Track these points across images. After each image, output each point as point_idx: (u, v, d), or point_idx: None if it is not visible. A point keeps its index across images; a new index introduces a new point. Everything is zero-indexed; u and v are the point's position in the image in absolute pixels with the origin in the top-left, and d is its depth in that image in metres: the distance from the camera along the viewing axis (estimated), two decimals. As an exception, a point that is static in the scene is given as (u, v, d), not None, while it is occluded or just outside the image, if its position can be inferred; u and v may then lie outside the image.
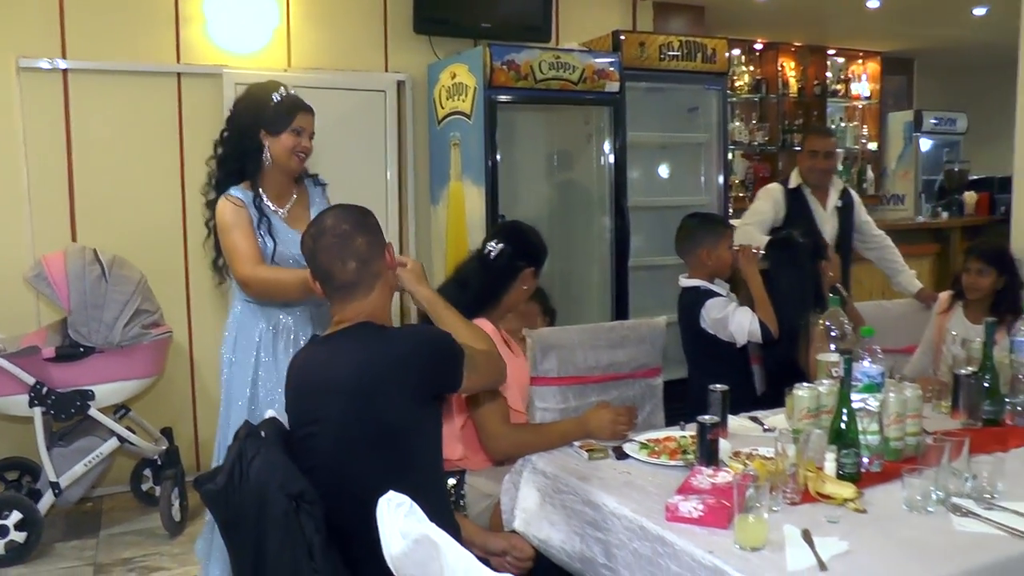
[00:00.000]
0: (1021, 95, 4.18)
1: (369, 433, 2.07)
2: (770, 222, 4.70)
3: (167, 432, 4.68)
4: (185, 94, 5.03)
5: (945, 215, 7.97)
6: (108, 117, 4.89)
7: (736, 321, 3.63)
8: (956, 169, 8.80)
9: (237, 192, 3.10)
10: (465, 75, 5.06)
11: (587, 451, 2.60)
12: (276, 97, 3.15)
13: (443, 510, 2.23)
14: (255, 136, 3.11)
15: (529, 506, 2.57)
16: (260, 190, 3.13)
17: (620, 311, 5.34)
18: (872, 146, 9.30)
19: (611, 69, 5.19)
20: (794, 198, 4.78)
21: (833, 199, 4.81)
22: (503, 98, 4.97)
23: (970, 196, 8.13)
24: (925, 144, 9.41)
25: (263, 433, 2.17)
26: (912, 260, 6.68)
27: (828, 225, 4.75)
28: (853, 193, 5.00)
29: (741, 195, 8.05)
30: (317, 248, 2.23)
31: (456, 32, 5.55)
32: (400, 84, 5.54)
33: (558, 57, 5.03)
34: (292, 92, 3.22)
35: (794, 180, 4.83)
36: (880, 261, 5.01)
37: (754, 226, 4.66)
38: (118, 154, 4.89)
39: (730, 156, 7.87)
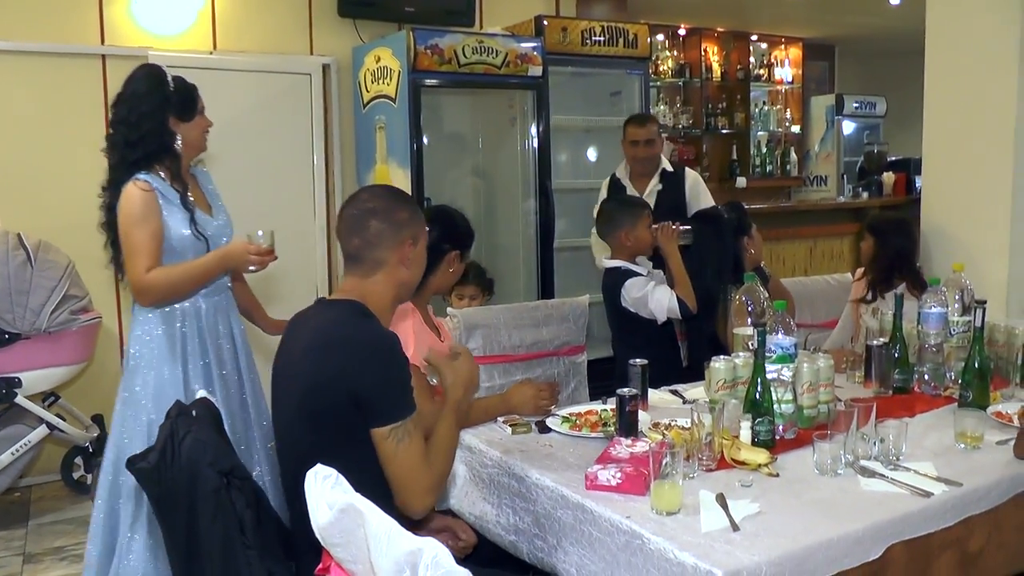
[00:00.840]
0: (928, 81, 4.32)
1: (311, 402, 2.08)
2: None
3: (98, 419, 4.63)
4: (110, 76, 4.96)
5: (865, 195, 8.17)
6: (30, 99, 4.81)
7: (655, 299, 3.69)
8: (875, 151, 9.02)
9: (148, 178, 2.91)
10: (389, 59, 5.06)
11: (510, 426, 2.64)
12: (171, 82, 3.02)
13: (384, 491, 2.24)
14: (165, 123, 2.96)
15: (460, 483, 2.61)
16: (165, 176, 2.97)
17: (545, 291, 5.42)
18: (795, 129, 9.48)
19: (534, 54, 5.23)
20: (615, 187, 4.85)
21: (653, 183, 4.76)
22: (427, 82, 4.99)
23: (888, 177, 8.35)
24: (847, 127, 9.65)
25: (194, 412, 2.18)
26: (834, 239, 6.90)
27: None
28: (688, 174, 4.89)
29: (666, 178, 8.15)
30: (341, 214, 2.28)
31: (381, 15, 5.55)
32: (325, 67, 5.53)
33: (481, 41, 5.06)
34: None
35: (620, 168, 4.91)
36: None
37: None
38: (42, 137, 4.81)
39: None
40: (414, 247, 2.26)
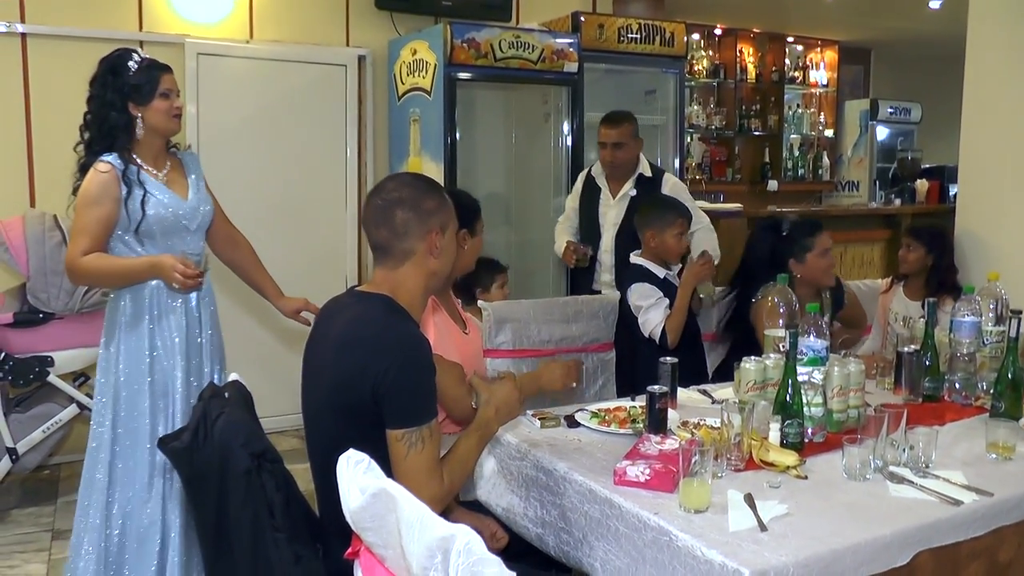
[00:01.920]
0: (967, 88, 4.29)
1: (340, 394, 2.08)
2: (575, 212, 4.71)
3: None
4: (148, 63, 4.99)
5: (897, 202, 8.10)
6: (68, 83, 4.82)
7: (647, 316, 3.73)
8: (909, 158, 8.94)
9: (111, 160, 2.98)
10: (425, 52, 5.08)
11: (540, 420, 2.65)
12: (133, 65, 3.03)
13: None
14: (123, 109, 3.01)
15: (487, 474, 2.63)
16: (136, 158, 3.04)
17: (575, 287, 5.39)
18: (828, 133, 9.44)
19: (570, 50, 5.23)
20: (588, 184, 4.65)
21: (627, 187, 4.47)
22: (463, 76, 5.01)
23: (922, 184, 8.28)
24: (881, 133, 9.54)
25: (227, 394, 2.20)
26: (864, 245, 6.86)
27: (612, 212, 4.48)
28: (667, 179, 4.56)
29: (697, 178, 8.16)
30: (368, 204, 2.25)
31: (417, 9, 5.57)
32: (361, 59, 5.57)
33: (518, 36, 5.07)
34: (146, 56, 3.10)
35: (597, 167, 4.64)
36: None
37: (564, 223, 4.76)
38: (78, 120, 4.83)
39: (687, 139, 7.99)
40: (442, 236, 2.22)
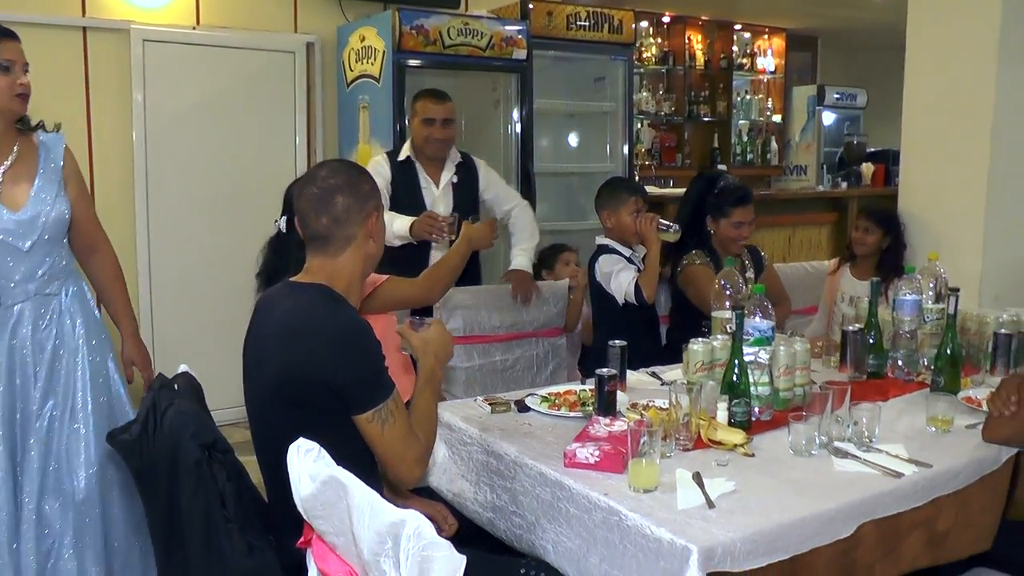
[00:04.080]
0: (908, 74, 4.37)
1: (286, 386, 2.07)
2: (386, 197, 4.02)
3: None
4: (91, 48, 4.93)
5: (844, 185, 8.22)
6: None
7: (618, 280, 3.72)
8: (855, 142, 9.09)
9: None
10: (374, 38, 5.06)
11: (490, 404, 2.67)
12: None
13: (366, 469, 2.24)
14: None
15: (438, 460, 2.63)
16: None
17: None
18: (776, 119, 9.56)
19: (519, 37, 5.23)
20: (403, 172, 4.12)
21: (447, 175, 4.16)
22: (412, 63, 4.98)
23: (867, 168, 8.41)
24: (828, 118, 9.69)
25: (176, 385, 2.19)
26: (812, 227, 6.95)
27: (440, 207, 4.08)
28: (478, 163, 4.30)
29: (647, 163, 8.24)
30: (301, 194, 2.21)
31: (366, -5, 5.53)
32: (309, 46, 5.52)
33: (467, 23, 5.06)
34: None
35: (405, 151, 4.15)
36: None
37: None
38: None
39: (637, 126, 8.05)
40: (379, 219, 2.24)
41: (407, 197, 4.03)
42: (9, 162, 2.63)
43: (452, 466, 2.57)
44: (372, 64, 5.09)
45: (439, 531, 2.42)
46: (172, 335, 5.15)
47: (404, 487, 2.20)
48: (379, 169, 4.04)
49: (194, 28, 5.19)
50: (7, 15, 4.65)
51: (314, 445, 1.67)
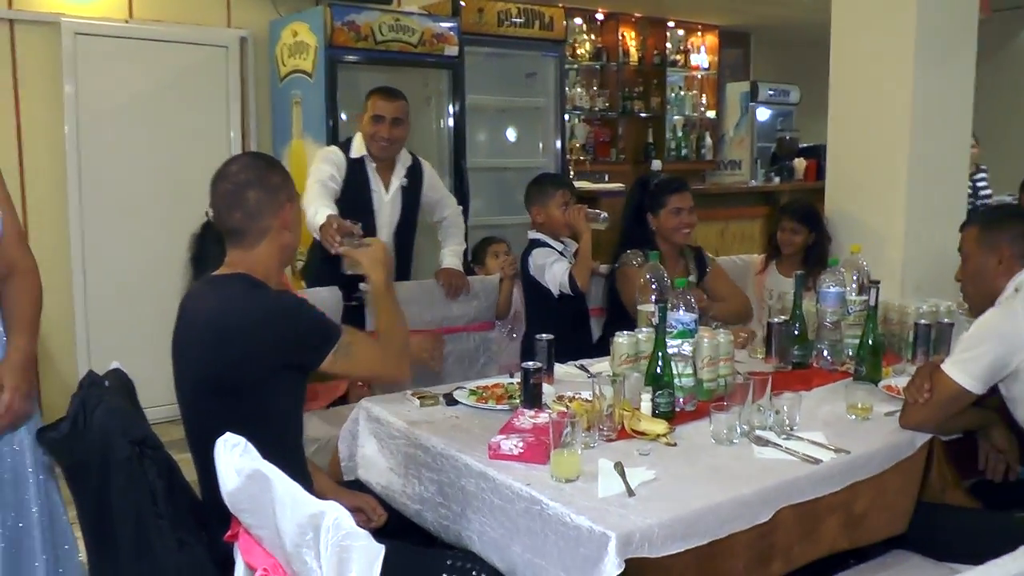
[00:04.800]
0: (833, 71, 4.47)
1: (218, 382, 2.10)
2: (337, 188, 3.82)
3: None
4: (19, 42, 4.85)
5: (777, 180, 8.36)
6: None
7: (552, 271, 3.75)
8: (788, 137, 9.22)
9: None
10: (306, 34, 5.04)
11: (419, 399, 2.67)
12: None
13: (294, 458, 2.26)
14: None
15: (368, 454, 2.64)
16: None
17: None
18: (711, 114, 9.69)
19: (450, 33, 5.26)
20: (355, 171, 3.93)
21: (398, 178, 4.04)
22: (344, 58, 4.98)
23: (799, 163, 8.55)
24: (763, 114, 9.85)
25: (107, 383, 2.17)
26: (745, 221, 7.06)
27: (386, 212, 4.01)
28: (425, 166, 4.17)
29: (582, 158, 8.32)
30: (214, 191, 2.25)
31: (299, -10, 5.51)
32: (243, 40, 5.49)
33: (398, 20, 5.07)
34: None
35: (357, 148, 3.96)
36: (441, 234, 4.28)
37: (323, 192, 3.65)
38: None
39: (572, 121, 8.12)
40: (292, 209, 2.29)
41: (356, 197, 3.87)
42: None
43: (381, 460, 2.57)
44: (305, 60, 5.06)
45: (368, 522, 2.45)
46: (106, 331, 5.10)
47: (402, 383, 2.53)
48: (332, 158, 3.89)
49: (127, 21, 5.14)
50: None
51: (240, 439, 1.66)
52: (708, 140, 9.58)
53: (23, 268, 2.44)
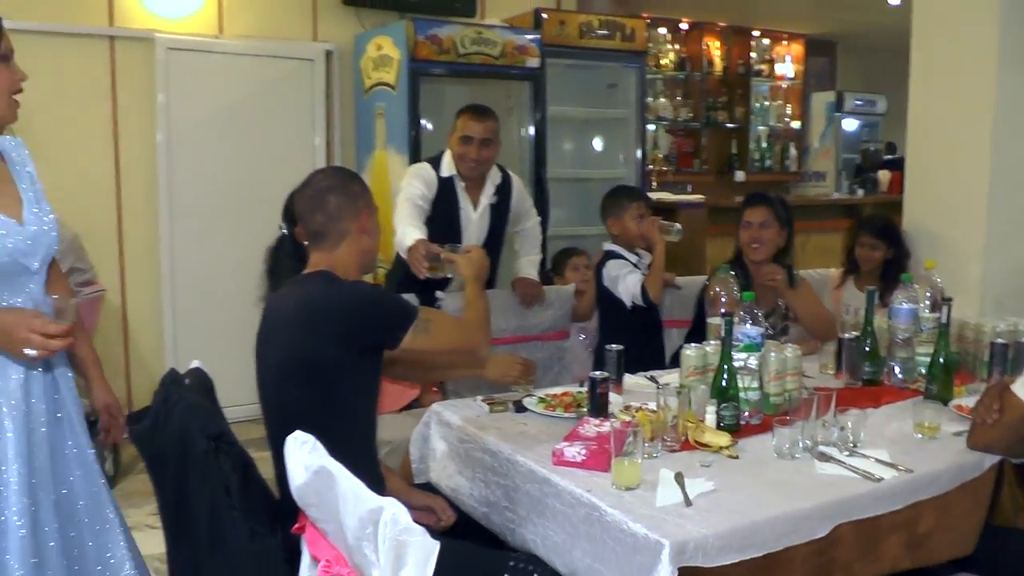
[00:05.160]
0: (913, 80, 4.42)
1: (301, 366, 2.24)
2: (427, 208, 3.84)
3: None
4: (118, 56, 5.11)
5: (860, 192, 8.26)
6: (39, 78, 4.86)
7: (625, 283, 3.81)
8: (872, 148, 9.11)
9: None
10: (390, 47, 5.17)
11: (489, 405, 2.75)
12: None
13: (367, 458, 2.38)
14: None
15: (439, 457, 2.73)
16: None
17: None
18: (795, 125, 9.58)
19: (531, 46, 5.34)
20: (444, 188, 3.91)
21: (487, 196, 4.00)
22: (426, 71, 5.09)
23: (884, 175, 8.44)
24: (850, 124, 9.71)
25: (187, 380, 2.31)
26: (826, 234, 7.00)
27: (474, 229, 3.98)
28: (515, 182, 4.14)
29: (664, 169, 8.31)
30: (299, 197, 2.47)
31: (383, 4, 5.66)
32: (328, 54, 5.65)
33: (480, 33, 5.17)
34: None
35: (448, 167, 3.93)
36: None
37: (414, 213, 3.71)
38: (49, 115, 4.93)
39: (655, 130, 8.13)
40: (371, 216, 2.46)
41: (445, 215, 3.88)
42: None
43: (450, 463, 2.66)
44: (388, 72, 5.20)
45: (438, 522, 2.54)
46: (191, 331, 5.31)
47: (484, 356, 2.82)
48: (423, 174, 3.88)
49: (217, 37, 5.35)
50: (38, 25, 4.84)
51: (309, 437, 1.76)
52: (792, 151, 9.48)
53: (63, 279, 2.39)
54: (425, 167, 3.95)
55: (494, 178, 4.01)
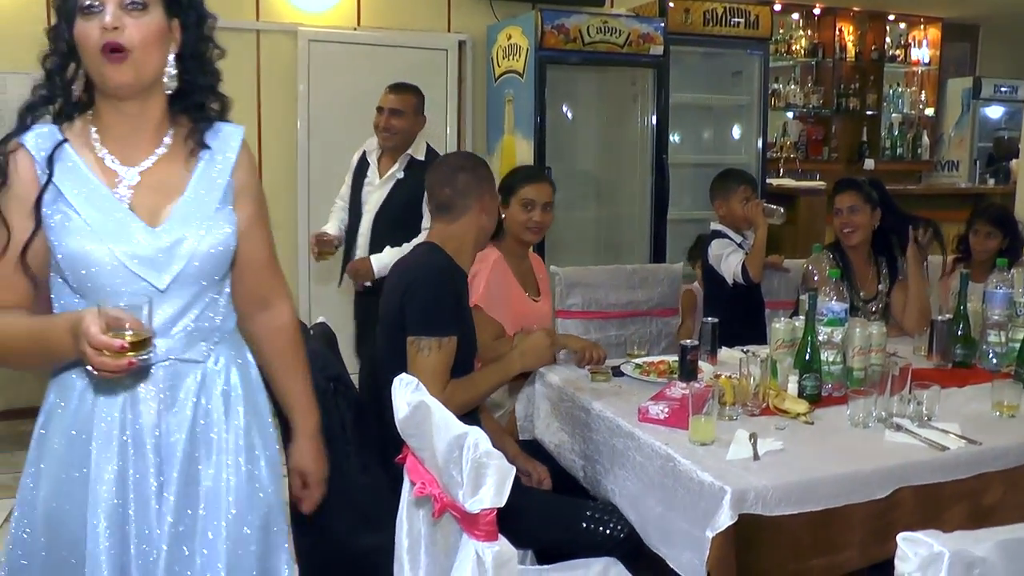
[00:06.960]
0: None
1: (393, 326, 2.57)
2: (348, 190, 4.41)
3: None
4: (263, 48, 5.54)
5: (991, 182, 8.08)
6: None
7: (728, 261, 3.99)
8: (1006, 137, 8.85)
9: (37, 132, 1.65)
10: (519, 37, 5.44)
11: (591, 372, 2.98)
12: None
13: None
14: (65, 35, 1.64)
15: (543, 415, 3.01)
16: (92, 131, 1.69)
17: (658, 259, 5.71)
18: (929, 112, 9.38)
19: (656, 34, 5.51)
20: (361, 160, 4.38)
21: (395, 167, 4.17)
22: (553, 59, 5.34)
23: (1017, 163, 8.21)
24: (995, 112, 9.43)
25: (311, 331, 2.65)
26: (952, 224, 6.90)
27: (375, 193, 4.21)
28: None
29: (792, 156, 8.30)
30: (434, 171, 2.79)
31: (516, -5, 5.90)
32: (461, 44, 5.95)
33: (605, 22, 5.38)
34: None
35: (373, 142, 4.33)
36: None
37: (338, 203, 4.48)
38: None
39: (787, 116, 8.12)
40: (492, 200, 2.75)
41: (356, 184, 4.36)
42: (153, 159, 1.72)
43: (553, 421, 2.93)
44: (517, 61, 5.47)
45: (539, 484, 2.80)
46: (322, 304, 5.60)
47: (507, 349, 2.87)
48: (354, 157, 4.45)
49: (355, 29, 5.74)
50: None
51: (412, 379, 2.02)
52: (925, 139, 9.27)
53: (280, 302, 2.00)
54: (360, 150, 4.44)
55: (419, 153, 4.21)
